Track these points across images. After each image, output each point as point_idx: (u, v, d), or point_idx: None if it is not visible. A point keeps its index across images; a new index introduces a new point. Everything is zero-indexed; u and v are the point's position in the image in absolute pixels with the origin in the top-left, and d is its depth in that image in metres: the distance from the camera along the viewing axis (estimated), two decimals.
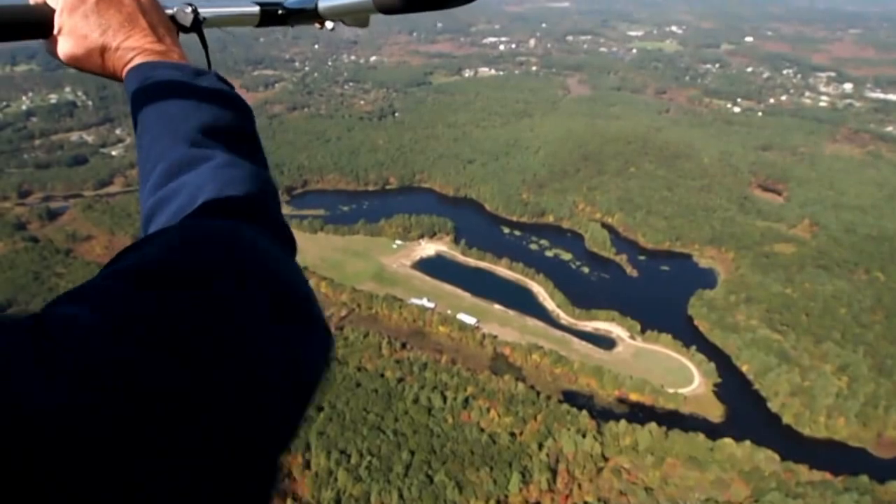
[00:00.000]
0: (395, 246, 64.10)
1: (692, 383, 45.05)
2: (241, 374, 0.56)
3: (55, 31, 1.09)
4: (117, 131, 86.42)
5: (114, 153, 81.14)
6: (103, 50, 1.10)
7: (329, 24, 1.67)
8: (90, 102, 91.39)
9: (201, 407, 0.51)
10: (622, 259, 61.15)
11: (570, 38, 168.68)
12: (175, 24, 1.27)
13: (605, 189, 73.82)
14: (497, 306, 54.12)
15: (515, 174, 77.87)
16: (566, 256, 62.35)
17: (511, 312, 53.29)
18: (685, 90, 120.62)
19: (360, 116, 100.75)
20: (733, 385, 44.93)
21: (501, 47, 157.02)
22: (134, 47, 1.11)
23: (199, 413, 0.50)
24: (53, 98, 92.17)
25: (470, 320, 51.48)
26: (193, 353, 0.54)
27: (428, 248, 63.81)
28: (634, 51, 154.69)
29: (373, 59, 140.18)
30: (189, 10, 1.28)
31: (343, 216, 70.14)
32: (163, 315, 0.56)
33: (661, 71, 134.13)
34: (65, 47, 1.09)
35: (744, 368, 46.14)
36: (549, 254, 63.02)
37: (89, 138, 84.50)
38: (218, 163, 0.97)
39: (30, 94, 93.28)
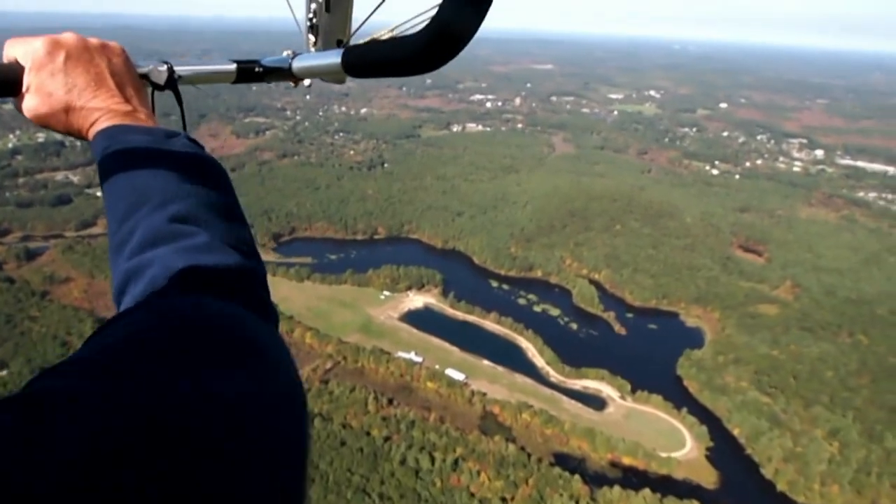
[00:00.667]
0: (382, 297, 63.36)
1: (684, 447, 44.23)
2: (228, 455, 0.54)
3: (24, 89, 1.09)
4: None
5: (98, 194, 79.53)
6: (68, 109, 1.09)
7: (306, 81, 1.70)
8: (78, 143, 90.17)
9: (190, 490, 0.49)
10: (610, 316, 61.19)
11: (553, 98, 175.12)
12: (150, 83, 1.27)
13: (592, 245, 74.74)
14: (486, 362, 53.25)
15: (503, 228, 78.62)
16: (554, 312, 62.19)
17: (500, 369, 52.42)
18: (665, 152, 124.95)
19: (350, 166, 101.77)
20: (726, 449, 44.22)
21: (488, 104, 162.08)
22: (99, 108, 1.10)
23: (190, 496, 0.49)
24: (41, 137, 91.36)
25: (458, 376, 50.42)
26: (181, 437, 0.52)
27: (416, 300, 63.17)
28: (615, 112, 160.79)
29: (363, 110, 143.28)
30: (164, 68, 1.28)
31: (330, 265, 69.49)
32: (150, 399, 0.54)
33: (641, 132, 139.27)
34: (31, 105, 1.09)
35: (735, 432, 45.58)
36: (537, 309, 62.81)
37: (75, 178, 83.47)
38: (191, 233, 0.94)
39: (17, 133, 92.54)
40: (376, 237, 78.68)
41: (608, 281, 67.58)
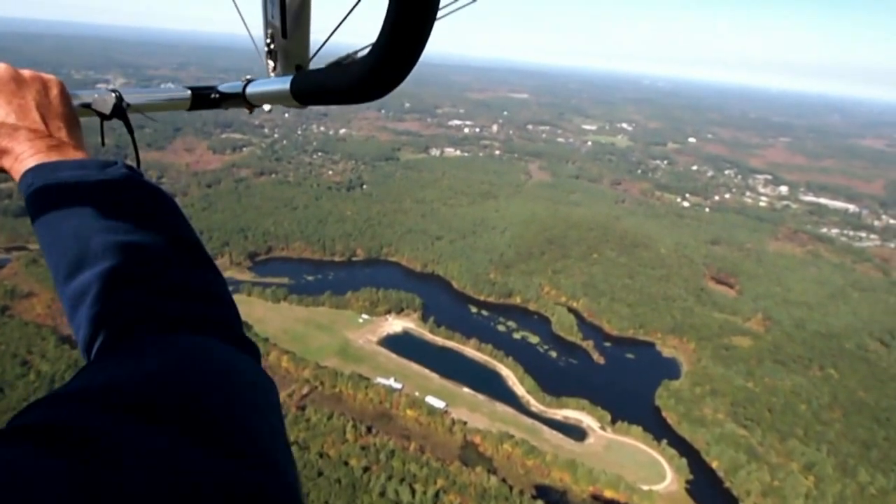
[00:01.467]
0: (361, 320, 62.22)
1: (665, 479, 44.15)
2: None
3: None
4: None
5: None
6: None
7: (266, 107, 1.69)
8: None
9: None
10: (588, 345, 61.39)
11: (530, 126, 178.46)
12: (95, 113, 1.23)
13: (570, 273, 75.35)
14: (466, 389, 52.51)
15: (482, 253, 78.68)
16: (533, 339, 62.07)
17: (480, 397, 51.75)
18: (638, 183, 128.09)
19: (329, 186, 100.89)
20: (705, 482, 44.32)
21: (466, 130, 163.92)
22: (23, 143, 1.01)
23: None
24: None
25: (439, 404, 49.50)
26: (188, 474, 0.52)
27: (395, 325, 62.23)
28: (589, 143, 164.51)
29: (342, 131, 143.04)
30: (111, 96, 1.24)
31: (308, 286, 68.07)
32: (137, 448, 0.53)
33: (615, 163, 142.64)
34: None
35: (714, 465, 45.79)
36: (516, 336, 62.59)
37: None
38: (149, 275, 0.91)
39: None
40: (355, 259, 77.66)
41: (586, 309, 68.01)
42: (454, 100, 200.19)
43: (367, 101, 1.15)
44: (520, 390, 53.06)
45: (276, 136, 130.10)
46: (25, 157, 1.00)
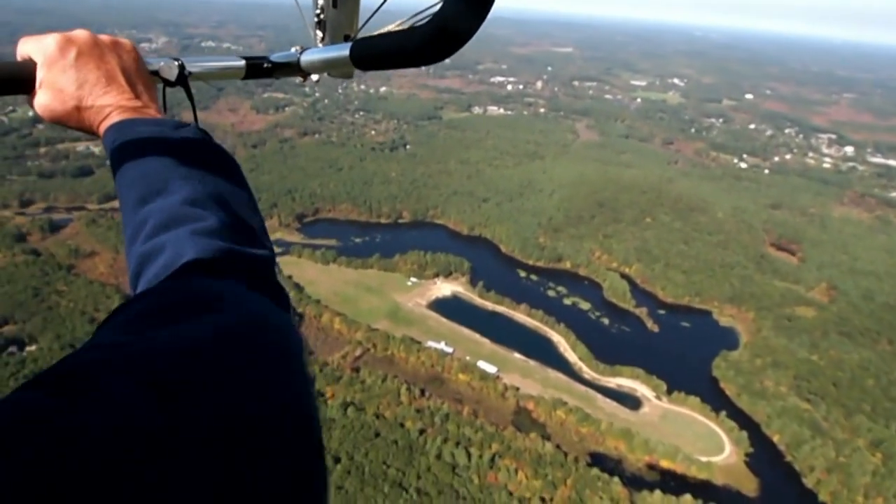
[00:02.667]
0: (409, 283, 62.23)
1: (723, 452, 43.23)
2: (250, 430, 0.55)
3: (37, 85, 1.10)
4: None
5: None
6: (79, 105, 1.10)
7: (314, 77, 1.77)
8: None
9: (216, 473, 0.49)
10: (642, 312, 59.86)
11: (575, 83, 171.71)
12: (161, 79, 1.30)
13: (622, 238, 73.12)
14: (517, 355, 52.21)
15: (530, 216, 77.00)
16: (585, 306, 60.91)
17: (532, 363, 51.38)
18: (692, 143, 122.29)
19: (372, 147, 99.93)
20: (765, 456, 43.19)
21: (509, 87, 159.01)
22: (110, 103, 1.11)
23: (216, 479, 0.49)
24: None
25: (490, 369, 49.43)
26: (210, 416, 0.53)
27: (444, 288, 62.01)
28: (639, 100, 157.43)
29: (382, 89, 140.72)
30: (175, 64, 1.32)
31: (356, 248, 68.24)
32: (170, 380, 0.54)
33: (666, 122, 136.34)
34: (42, 100, 1.10)
35: (775, 438, 44.49)
36: (567, 302, 61.53)
37: (96, 150, 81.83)
38: (204, 217, 0.96)
39: None
40: (401, 221, 77.24)
41: (639, 276, 66.13)
42: (496, 55, 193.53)
43: (430, 64, 1.16)
44: (572, 357, 52.41)
45: (317, 95, 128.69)
46: (113, 116, 1.11)
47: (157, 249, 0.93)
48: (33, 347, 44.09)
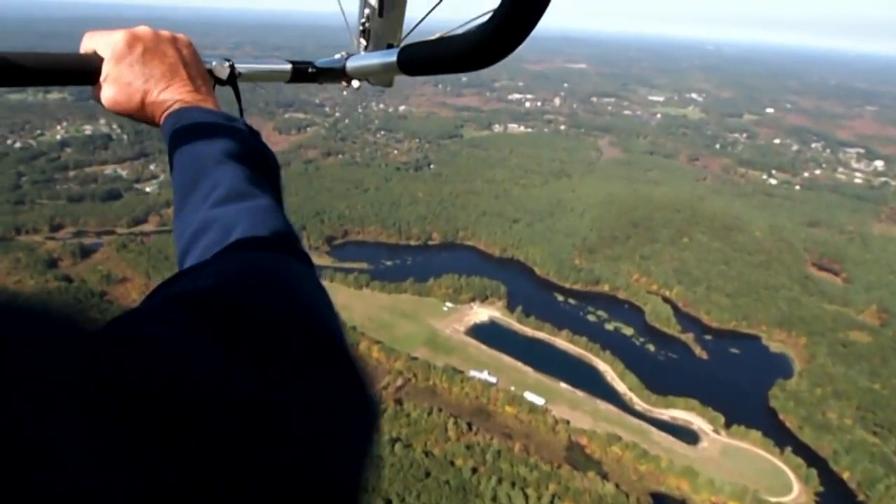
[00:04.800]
0: (445, 308, 60.50)
1: (791, 491, 40.79)
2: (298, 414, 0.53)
3: (102, 79, 1.17)
4: (152, 167, 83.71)
5: (148, 189, 78.18)
6: (144, 97, 1.17)
7: (355, 83, 1.81)
8: (125, 136, 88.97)
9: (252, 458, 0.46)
10: (688, 338, 57.68)
11: (593, 99, 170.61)
12: (212, 77, 1.36)
13: (660, 259, 71.10)
14: (563, 385, 50.16)
15: (564, 237, 75.26)
16: (627, 331, 58.82)
17: (579, 393, 49.29)
18: (718, 159, 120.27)
19: (397, 167, 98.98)
20: (836, 496, 40.70)
21: (527, 104, 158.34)
22: (173, 96, 1.18)
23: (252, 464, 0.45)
24: (88, 129, 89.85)
25: (538, 401, 47.38)
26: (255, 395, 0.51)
27: (481, 313, 60.23)
28: (659, 115, 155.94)
29: (401, 108, 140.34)
30: (227, 64, 1.38)
31: (387, 272, 66.75)
32: (220, 351, 0.53)
33: (689, 137, 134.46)
34: (108, 93, 1.17)
35: (845, 476, 41.95)
36: (608, 327, 59.48)
37: (123, 172, 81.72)
38: (253, 197, 1.02)
39: (64, 124, 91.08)
40: (430, 243, 75.79)
41: (681, 299, 63.95)
42: (511, 72, 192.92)
43: (482, 68, 1.17)
44: (621, 387, 50.26)
45: (337, 114, 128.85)
46: (175, 107, 1.18)
47: (209, 224, 0.96)
48: None
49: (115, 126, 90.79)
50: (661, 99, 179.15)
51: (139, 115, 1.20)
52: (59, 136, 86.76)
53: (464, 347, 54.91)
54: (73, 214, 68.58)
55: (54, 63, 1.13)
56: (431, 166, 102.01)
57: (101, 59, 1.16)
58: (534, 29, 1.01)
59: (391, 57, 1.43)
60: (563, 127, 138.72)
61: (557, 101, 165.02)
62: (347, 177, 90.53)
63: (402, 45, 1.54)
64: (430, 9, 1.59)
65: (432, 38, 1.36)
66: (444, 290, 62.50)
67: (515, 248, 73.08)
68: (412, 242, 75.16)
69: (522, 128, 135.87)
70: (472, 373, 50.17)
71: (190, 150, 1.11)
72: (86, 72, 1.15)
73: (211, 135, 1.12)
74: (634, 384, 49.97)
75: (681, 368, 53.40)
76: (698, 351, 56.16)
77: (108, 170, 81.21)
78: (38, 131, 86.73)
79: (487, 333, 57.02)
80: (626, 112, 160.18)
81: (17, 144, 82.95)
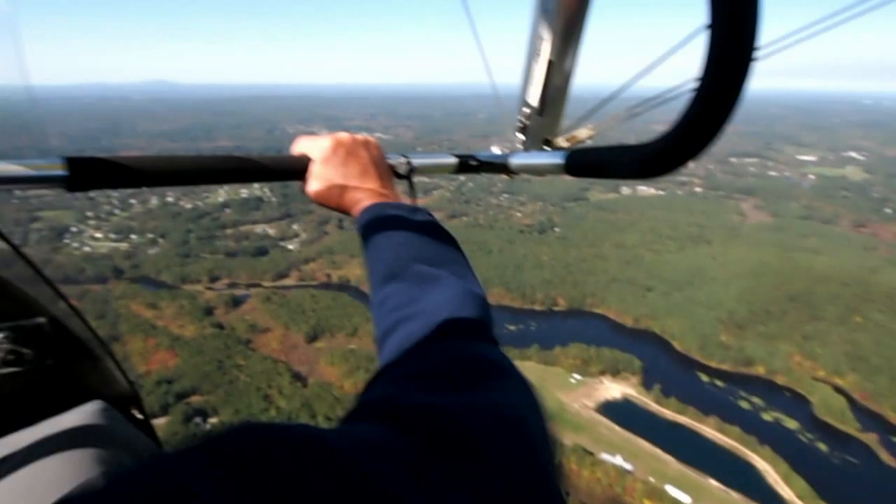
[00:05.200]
0: (573, 381, 56.70)
1: None
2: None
3: (309, 176, 1.36)
4: (294, 226, 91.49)
5: (290, 247, 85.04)
6: (342, 192, 1.33)
7: (525, 175, 1.86)
8: (274, 199, 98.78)
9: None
10: (870, 439, 48.06)
11: (732, 159, 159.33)
12: (394, 173, 1.50)
13: (827, 340, 61.42)
14: (713, 482, 43.59)
15: (706, 310, 68.31)
16: (791, 424, 50.48)
17: (734, 494, 42.42)
18: (889, 225, 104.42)
19: (520, 229, 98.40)
20: None
21: None
22: (366, 191, 1.33)
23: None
24: (245, 193, 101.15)
25: (683, 498, 41.52)
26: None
27: (612, 389, 55.52)
28: (812, 176, 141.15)
29: None
30: (404, 160, 1.52)
31: (511, 337, 64.62)
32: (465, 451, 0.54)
33: (851, 201, 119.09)
34: (314, 187, 1.34)
35: None
36: (766, 417, 51.58)
37: (271, 231, 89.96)
38: (449, 284, 1.06)
39: (226, 188, 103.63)
40: (556, 308, 72.73)
41: (857, 389, 54.10)
42: (637, 130, 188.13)
43: (654, 178, 1.13)
44: (786, 492, 42.51)
45: (461, 178, 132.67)
46: (366, 201, 1.32)
47: (410, 313, 1.00)
48: (215, 419, 45.61)
49: (266, 190, 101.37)
50: (812, 158, 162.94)
51: (336, 206, 1.35)
52: (221, 199, 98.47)
53: (594, 426, 50.48)
54: (229, 268, 76.02)
55: (275, 164, 1.35)
56: (556, 229, 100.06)
57: (310, 160, 1.36)
58: (724, 129, 0.89)
59: (559, 159, 1.48)
60: (698, 189, 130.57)
61: (691, 161, 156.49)
62: (471, 238, 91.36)
63: (573, 150, 1.57)
64: (590, 110, 1.66)
65: (602, 146, 1.36)
66: (572, 361, 58.85)
67: (650, 319, 67.53)
68: (536, 307, 72.70)
69: (653, 190, 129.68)
70: (604, 455, 45.62)
71: (384, 240, 1.20)
72: (299, 170, 1.35)
73: (401, 225, 1.22)
74: (804, 491, 42.01)
75: (861, 476, 44.20)
76: (885, 456, 46.33)
77: (259, 228, 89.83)
78: (206, 194, 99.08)
79: (620, 412, 52.08)
80: (772, 173, 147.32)
81: (189, 205, 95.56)
